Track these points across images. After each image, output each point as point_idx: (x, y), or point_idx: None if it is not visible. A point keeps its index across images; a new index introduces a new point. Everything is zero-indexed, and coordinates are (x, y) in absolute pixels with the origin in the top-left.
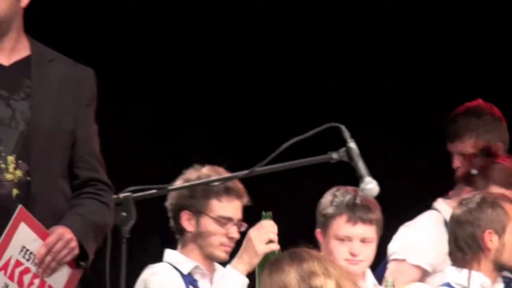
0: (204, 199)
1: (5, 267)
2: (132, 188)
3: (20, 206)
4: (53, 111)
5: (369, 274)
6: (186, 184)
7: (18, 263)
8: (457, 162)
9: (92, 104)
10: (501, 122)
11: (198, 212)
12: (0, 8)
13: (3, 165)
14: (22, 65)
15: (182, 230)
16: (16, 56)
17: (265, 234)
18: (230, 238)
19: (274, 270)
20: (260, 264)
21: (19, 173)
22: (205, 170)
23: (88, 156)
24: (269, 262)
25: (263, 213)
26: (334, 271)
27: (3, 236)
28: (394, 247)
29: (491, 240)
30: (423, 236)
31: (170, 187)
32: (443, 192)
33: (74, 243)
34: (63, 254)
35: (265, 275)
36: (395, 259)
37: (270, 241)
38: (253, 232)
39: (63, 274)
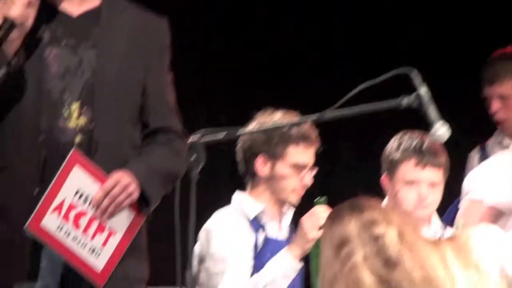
0: (280, 145)
1: (58, 208)
2: (202, 131)
3: (73, 149)
4: (121, 60)
5: (435, 218)
6: (258, 128)
7: (72, 206)
8: (495, 106)
9: (164, 54)
10: None
11: (274, 158)
12: None
13: (66, 113)
14: (91, 15)
15: (253, 174)
16: (86, 7)
17: (317, 220)
18: (304, 184)
19: (334, 221)
20: (313, 248)
21: (82, 120)
22: (279, 114)
23: (159, 105)
24: (329, 214)
25: (317, 198)
26: (396, 219)
27: (55, 178)
28: (470, 186)
29: None
30: (502, 175)
31: (241, 131)
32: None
33: (132, 188)
34: (121, 198)
35: (326, 228)
36: (470, 199)
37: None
38: (305, 219)
39: (124, 218)
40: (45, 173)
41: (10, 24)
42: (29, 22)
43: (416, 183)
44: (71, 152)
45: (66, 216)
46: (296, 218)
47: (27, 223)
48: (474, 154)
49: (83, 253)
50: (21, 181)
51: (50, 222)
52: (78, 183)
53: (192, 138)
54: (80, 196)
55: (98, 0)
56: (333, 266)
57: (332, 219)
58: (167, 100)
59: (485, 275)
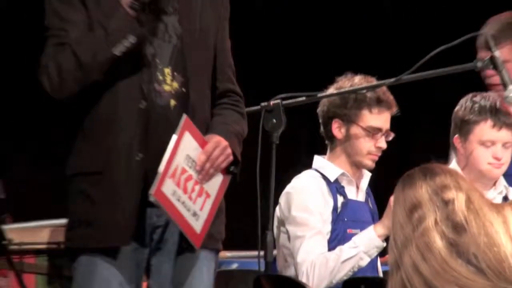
0: (355, 109)
1: (173, 174)
2: (282, 95)
3: (185, 116)
4: (199, 25)
5: (501, 178)
6: (336, 91)
7: (183, 171)
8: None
9: (227, 19)
10: None
11: (349, 122)
12: None
13: (160, 77)
14: None
15: (331, 137)
16: None
17: None
18: (378, 148)
19: (406, 185)
20: None
21: (175, 84)
22: (357, 79)
23: (226, 67)
24: (401, 178)
25: None
26: (465, 185)
27: (171, 146)
28: None
29: None
30: None
31: (320, 95)
32: None
33: (229, 150)
34: (220, 161)
35: (398, 190)
36: None
37: None
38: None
39: (217, 180)
40: (147, 137)
41: None
42: None
43: (491, 144)
44: (183, 118)
45: (178, 182)
46: (374, 183)
47: (152, 190)
48: None
49: (188, 217)
50: (124, 146)
51: (168, 188)
52: (187, 148)
53: (272, 102)
54: (189, 160)
55: None
56: (405, 229)
57: (404, 183)
58: (231, 63)
59: None
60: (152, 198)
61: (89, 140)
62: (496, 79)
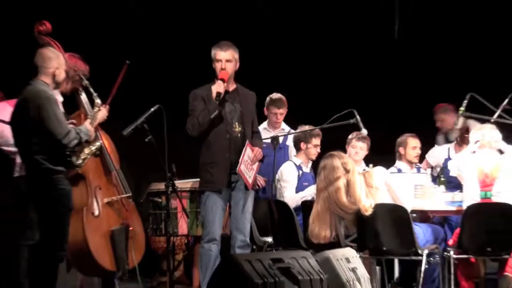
0: (309, 138)
1: (244, 162)
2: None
3: (247, 140)
4: (248, 107)
5: (362, 162)
6: (299, 130)
7: (246, 161)
8: None
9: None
10: None
11: (306, 142)
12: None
13: (234, 125)
14: (235, 90)
15: (299, 148)
16: (232, 87)
17: None
18: (315, 154)
19: (332, 158)
20: None
21: (239, 128)
22: (307, 126)
23: (255, 124)
24: (329, 154)
25: None
26: (352, 162)
27: (243, 152)
28: None
29: None
30: None
31: (297, 130)
32: None
33: (261, 153)
34: (258, 156)
35: (328, 159)
36: None
37: None
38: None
39: (256, 167)
40: (230, 148)
41: (219, 95)
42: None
43: None
44: (247, 141)
45: (246, 164)
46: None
47: (237, 168)
48: None
49: (248, 176)
50: (221, 151)
51: (243, 167)
52: (248, 152)
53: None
54: (248, 157)
55: (235, 84)
56: (329, 176)
57: (332, 157)
58: (257, 123)
59: (377, 190)
60: (237, 172)
61: (207, 149)
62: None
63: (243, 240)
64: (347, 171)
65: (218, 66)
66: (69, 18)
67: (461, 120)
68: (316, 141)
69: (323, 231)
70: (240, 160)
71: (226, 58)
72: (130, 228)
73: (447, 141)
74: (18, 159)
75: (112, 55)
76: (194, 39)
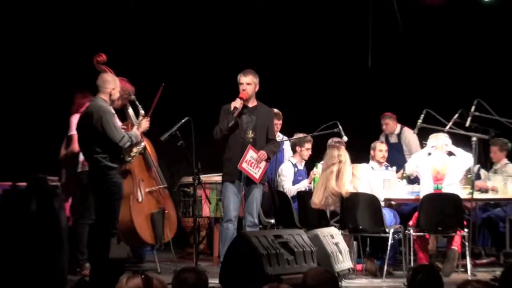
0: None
1: (246, 160)
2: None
3: (249, 145)
4: (263, 119)
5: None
6: (295, 137)
7: (250, 161)
8: None
9: (272, 118)
10: None
11: (301, 147)
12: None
13: (248, 132)
14: (255, 106)
15: (295, 151)
16: (253, 104)
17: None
18: (307, 155)
19: (329, 149)
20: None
21: (252, 134)
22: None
23: (271, 132)
24: (329, 145)
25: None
26: (346, 154)
27: (244, 153)
28: None
29: None
30: None
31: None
32: None
33: (266, 155)
34: (263, 157)
35: (329, 150)
36: None
37: None
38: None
39: (262, 164)
40: (243, 149)
41: (236, 109)
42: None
43: None
44: (248, 146)
45: (249, 163)
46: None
47: (238, 165)
48: None
49: (254, 173)
50: (236, 151)
51: (245, 165)
52: (250, 154)
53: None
54: (252, 158)
55: (256, 102)
56: (327, 163)
57: (330, 148)
58: (273, 131)
59: (359, 179)
60: (239, 168)
61: (227, 149)
62: None
63: (252, 221)
64: (340, 161)
65: (240, 87)
66: (120, 50)
67: (417, 129)
68: (308, 145)
69: (316, 199)
70: (241, 159)
71: (246, 82)
72: (166, 211)
73: (387, 140)
74: (81, 158)
75: (151, 78)
76: (218, 64)
